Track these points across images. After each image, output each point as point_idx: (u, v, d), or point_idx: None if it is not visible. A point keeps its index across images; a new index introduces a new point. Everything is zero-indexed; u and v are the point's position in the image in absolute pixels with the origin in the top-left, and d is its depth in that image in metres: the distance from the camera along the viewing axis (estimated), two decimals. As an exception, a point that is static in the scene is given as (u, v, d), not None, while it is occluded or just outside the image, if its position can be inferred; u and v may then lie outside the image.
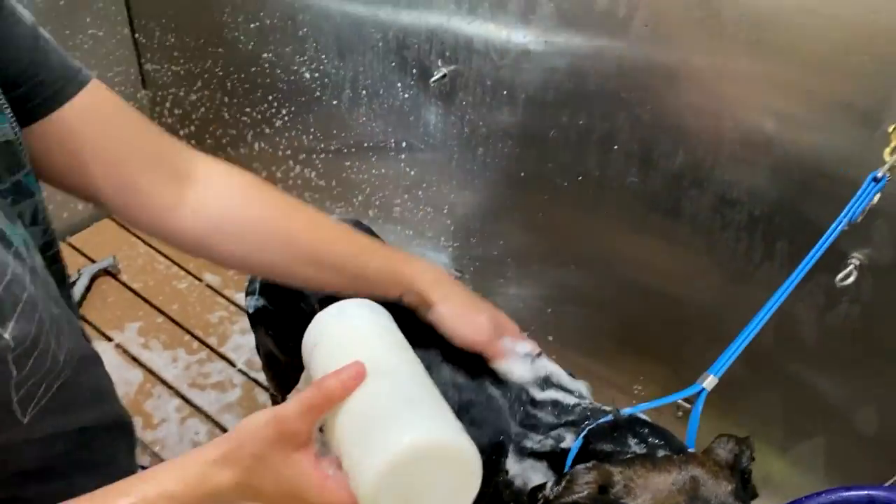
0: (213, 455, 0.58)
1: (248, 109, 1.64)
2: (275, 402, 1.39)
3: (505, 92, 1.18)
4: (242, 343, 1.65)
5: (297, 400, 0.59)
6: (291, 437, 0.59)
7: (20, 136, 0.66)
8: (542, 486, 0.67)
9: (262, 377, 1.57)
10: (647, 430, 0.74)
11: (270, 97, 1.57)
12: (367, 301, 0.73)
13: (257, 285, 1.08)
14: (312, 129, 1.54)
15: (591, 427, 0.74)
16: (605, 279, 1.25)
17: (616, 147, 1.11)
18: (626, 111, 1.07)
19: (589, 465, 0.64)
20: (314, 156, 1.56)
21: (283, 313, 1.08)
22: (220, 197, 0.76)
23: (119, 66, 1.78)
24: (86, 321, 1.65)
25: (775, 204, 1.00)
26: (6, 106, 0.64)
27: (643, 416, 0.79)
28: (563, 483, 0.64)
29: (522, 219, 1.30)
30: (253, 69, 1.55)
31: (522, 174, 1.24)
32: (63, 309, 0.72)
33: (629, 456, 0.69)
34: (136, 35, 1.77)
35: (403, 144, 1.39)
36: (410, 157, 1.40)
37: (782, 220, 1.01)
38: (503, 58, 1.15)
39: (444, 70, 1.23)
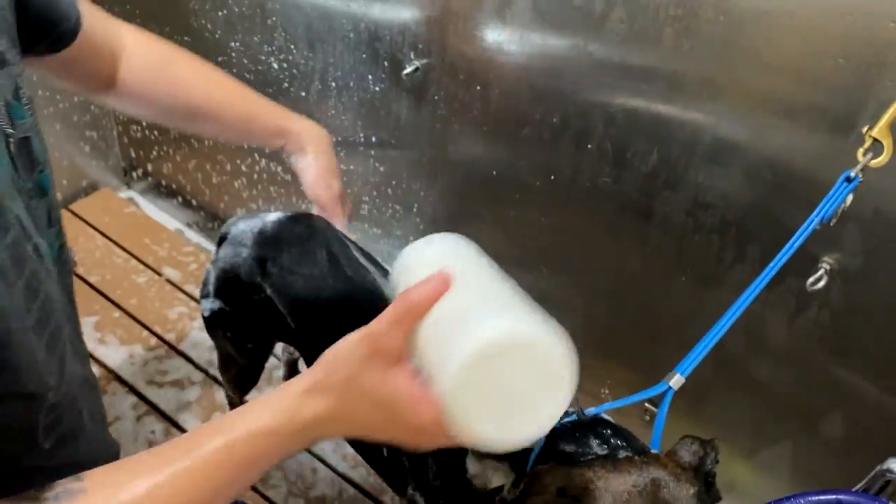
0: (304, 386, 0.56)
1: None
2: (231, 403, 1.35)
3: (478, 87, 1.16)
4: (202, 340, 1.61)
5: (384, 316, 0.56)
6: (386, 353, 0.56)
7: (39, 129, 0.64)
8: (499, 489, 0.65)
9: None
10: (609, 432, 0.72)
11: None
12: (457, 235, 0.70)
13: (211, 288, 1.04)
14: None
15: (553, 427, 0.72)
16: (575, 280, 1.24)
17: (589, 146, 1.09)
18: (601, 109, 1.05)
19: (546, 466, 0.62)
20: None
21: (239, 314, 1.04)
22: (140, 65, 0.87)
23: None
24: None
25: (748, 207, 0.99)
26: (27, 100, 0.61)
27: (607, 418, 0.78)
28: (522, 486, 0.62)
29: (493, 218, 1.28)
30: (220, 59, 1.50)
31: (494, 172, 1.22)
32: (73, 327, 0.69)
33: (590, 457, 0.68)
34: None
35: (373, 139, 1.37)
36: (380, 152, 1.38)
37: (754, 223, 1.00)
38: (477, 53, 1.13)
39: (416, 63, 1.21)
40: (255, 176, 1.66)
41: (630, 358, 1.27)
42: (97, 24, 0.79)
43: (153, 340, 1.59)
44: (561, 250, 1.23)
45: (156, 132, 1.81)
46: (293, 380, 0.57)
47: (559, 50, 1.05)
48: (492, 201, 1.26)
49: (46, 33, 0.70)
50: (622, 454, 0.67)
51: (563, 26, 1.03)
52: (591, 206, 1.14)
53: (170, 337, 1.60)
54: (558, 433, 0.72)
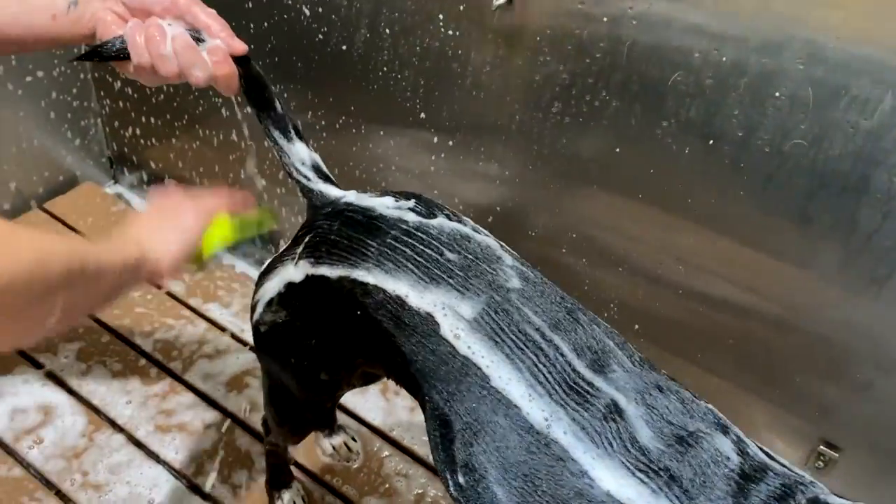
0: None
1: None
2: (273, 454, 1.03)
3: (605, 19, 0.84)
4: (214, 370, 1.27)
5: None
6: None
7: None
8: None
9: (244, 412, 1.20)
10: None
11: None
12: None
13: (275, 295, 0.73)
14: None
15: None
16: (697, 284, 0.92)
17: (778, 94, 0.77)
18: (802, 35, 0.73)
19: None
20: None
21: (311, 329, 0.73)
22: None
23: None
24: (6, 343, 1.26)
25: None
26: None
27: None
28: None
29: (609, 200, 0.96)
30: (238, 18, 1.17)
31: (621, 135, 0.90)
32: None
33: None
34: None
35: (441, 105, 1.04)
36: (452, 122, 1.05)
37: None
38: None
39: (511, -8, 0.88)
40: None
41: (773, 383, 0.95)
42: None
43: (154, 371, 1.26)
44: (722, 249, 0.90)
45: (142, 122, 1.48)
46: None
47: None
48: (613, 177, 0.94)
49: None
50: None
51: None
52: (772, 181, 0.82)
53: (174, 365, 1.27)
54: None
